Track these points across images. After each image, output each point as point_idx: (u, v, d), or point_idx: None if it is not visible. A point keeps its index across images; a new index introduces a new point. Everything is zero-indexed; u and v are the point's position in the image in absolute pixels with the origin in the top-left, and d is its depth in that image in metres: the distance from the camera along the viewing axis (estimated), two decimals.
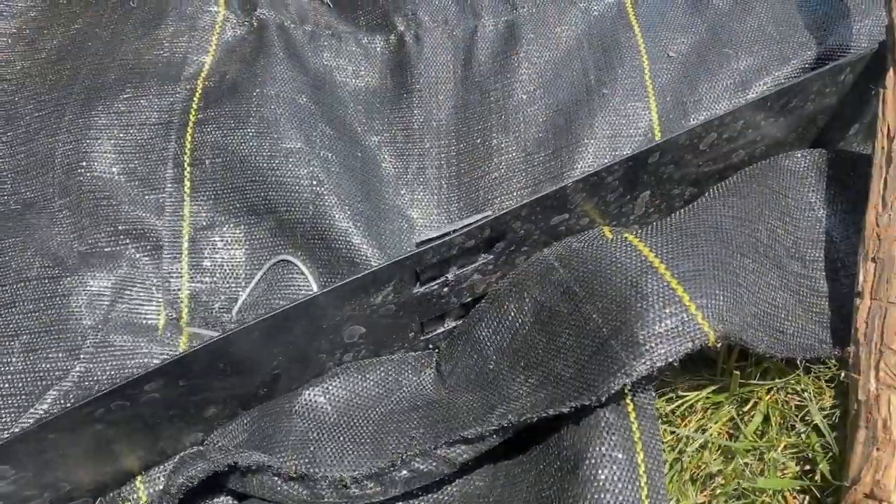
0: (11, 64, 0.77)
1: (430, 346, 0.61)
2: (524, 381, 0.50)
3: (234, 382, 0.53)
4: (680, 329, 0.44)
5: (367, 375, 0.57)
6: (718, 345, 0.44)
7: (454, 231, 0.51)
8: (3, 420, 0.58)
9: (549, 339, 0.50)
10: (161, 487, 0.55)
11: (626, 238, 0.51)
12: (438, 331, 0.60)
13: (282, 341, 0.52)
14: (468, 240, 0.53)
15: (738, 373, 0.50)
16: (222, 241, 0.66)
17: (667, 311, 0.45)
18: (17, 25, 0.80)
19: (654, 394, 0.47)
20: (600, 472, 0.43)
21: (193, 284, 0.65)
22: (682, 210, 0.56)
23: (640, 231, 0.53)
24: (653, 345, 0.44)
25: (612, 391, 0.43)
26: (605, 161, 0.67)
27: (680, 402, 0.52)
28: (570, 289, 0.50)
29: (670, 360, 0.43)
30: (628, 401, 0.46)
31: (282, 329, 0.50)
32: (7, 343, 0.61)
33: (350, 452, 0.51)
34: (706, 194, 0.59)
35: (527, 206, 0.53)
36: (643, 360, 0.43)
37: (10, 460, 0.47)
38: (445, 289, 0.56)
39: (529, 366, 0.51)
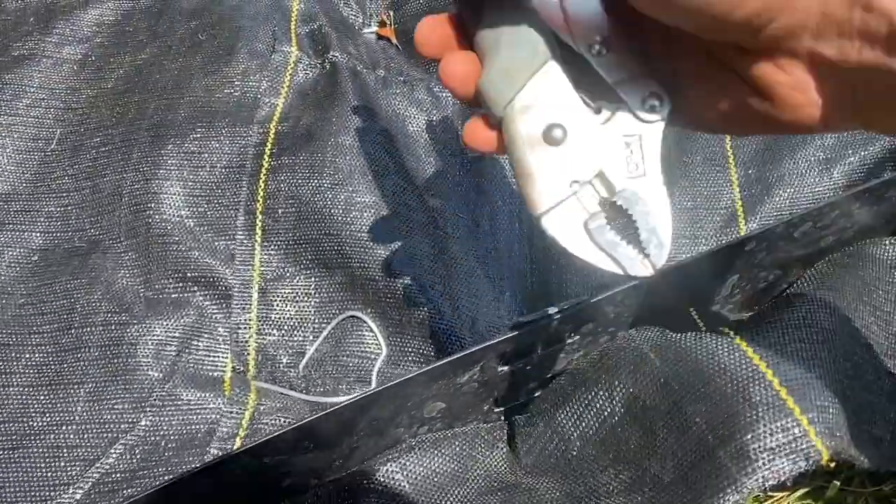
0: (78, 92, 0.76)
1: (503, 419, 0.60)
2: (614, 476, 0.49)
3: (314, 457, 0.51)
4: (793, 445, 0.43)
5: (443, 450, 0.56)
6: (832, 465, 0.43)
7: (548, 316, 0.50)
8: (70, 473, 0.57)
9: (643, 435, 0.49)
10: None
11: (726, 333, 0.50)
12: (513, 404, 0.59)
13: (368, 418, 0.51)
14: (561, 323, 0.52)
15: (836, 483, 0.49)
16: (293, 293, 0.65)
17: (778, 424, 0.44)
18: (84, 52, 0.79)
19: None
20: None
21: (262, 337, 0.64)
22: (775, 303, 0.55)
23: (736, 326, 0.52)
24: (765, 461, 0.43)
25: None
26: (685, 234, 0.66)
27: (769, 502, 0.51)
28: (667, 384, 0.49)
29: (783, 479, 0.42)
30: None
31: (371, 407, 0.49)
32: (72, 390, 0.60)
33: None
34: (797, 283, 0.58)
35: (622, 292, 0.52)
36: (755, 478, 0.42)
37: None
38: (528, 367, 0.55)
39: (619, 460, 0.49)
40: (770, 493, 0.52)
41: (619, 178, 0.37)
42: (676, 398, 0.48)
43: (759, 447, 0.43)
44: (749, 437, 0.44)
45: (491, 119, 0.38)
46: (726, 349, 0.49)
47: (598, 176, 0.37)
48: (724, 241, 0.54)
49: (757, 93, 0.33)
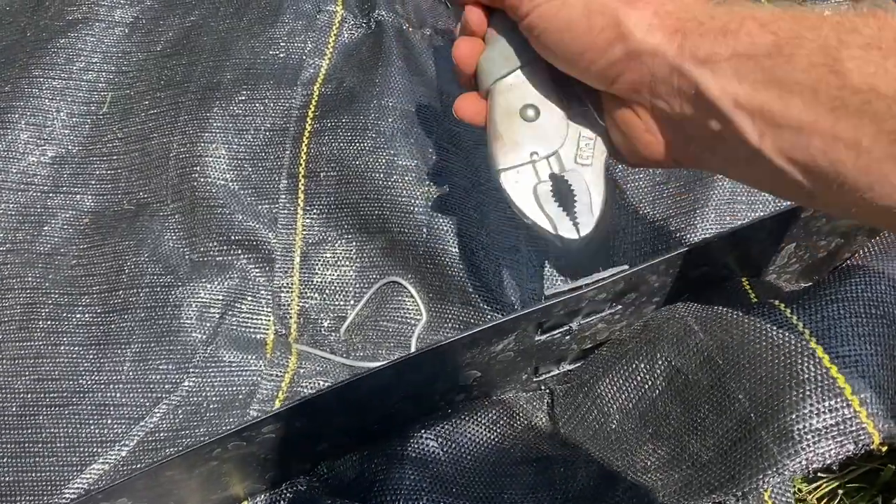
0: (129, 55, 0.77)
1: (543, 388, 0.59)
2: (652, 452, 0.47)
3: (349, 421, 0.51)
4: (841, 428, 0.40)
5: (479, 418, 0.55)
6: (884, 449, 0.40)
7: (586, 286, 0.48)
8: (115, 431, 0.58)
9: (683, 411, 0.47)
10: None
11: (776, 306, 0.47)
12: (553, 373, 0.58)
13: (402, 385, 0.50)
14: (599, 293, 0.49)
15: (893, 466, 0.46)
16: (334, 257, 0.65)
17: (826, 404, 0.41)
18: (135, 15, 0.79)
19: (792, 491, 0.43)
20: None
21: (304, 301, 0.64)
22: (832, 274, 0.52)
23: (788, 298, 0.49)
24: (810, 443, 0.40)
25: (760, 489, 0.40)
26: (740, 199, 0.63)
27: (820, 483, 0.49)
28: (711, 358, 0.47)
29: (828, 462, 0.40)
30: (766, 497, 0.43)
31: (405, 374, 0.49)
32: (119, 350, 0.61)
33: None
34: (859, 253, 0.54)
35: (667, 261, 0.49)
36: (798, 460, 0.40)
37: (127, 493, 0.46)
38: (567, 337, 0.53)
39: (659, 435, 0.48)
40: (820, 475, 0.49)
41: (570, 161, 0.46)
42: (720, 373, 0.46)
43: (804, 428, 0.41)
44: (793, 416, 0.41)
45: (481, 91, 0.48)
46: (774, 322, 0.46)
47: (554, 155, 0.46)
48: (781, 207, 0.51)
49: (622, 132, 0.44)
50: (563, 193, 0.45)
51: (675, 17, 0.38)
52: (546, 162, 0.46)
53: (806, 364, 0.43)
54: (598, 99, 0.46)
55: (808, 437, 0.40)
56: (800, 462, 0.40)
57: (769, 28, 0.35)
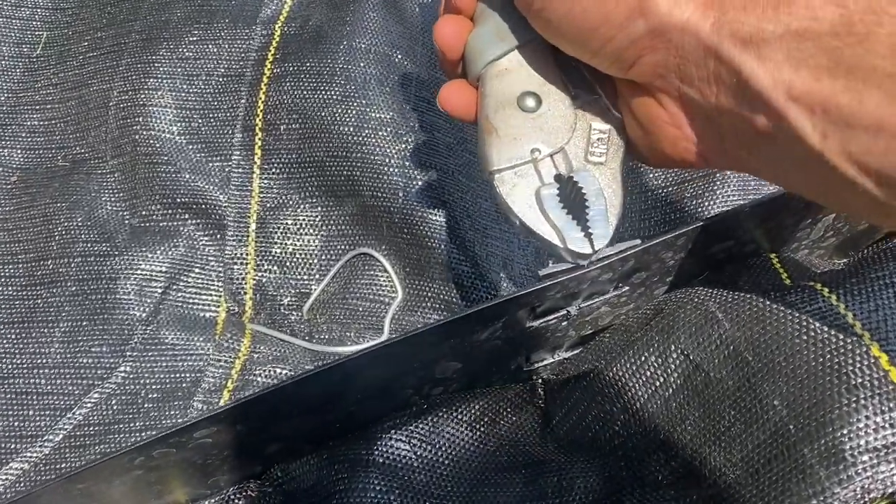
0: None
1: (535, 378, 0.51)
2: (664, 463, 0.40)
3: (303, 421, 0.43)
4: None
5: (459, 415, 0.47)
6: None
7: (590, 264, 0.39)
8: (38, 424, 0.51)
9: (703, 416, 0.39)
10: None
11: (817, 290, 0.39)
12: (546, 361, 0.50)
13: (369, 377, 0.42)
14: (604, 272, 0.41)
15: None
16: (295, 224, 0.56)
17: (886, 417, 0.33)
18: None
19: None
20: None
21: (260, 274, 0.56)
22: (881, 252, 0.44)
23: (828, 280, 0.41)
24: (866, 466, 0.32)
25: None
26: None
27: None
28: (738, 353, 0.38)
29: (889, 490, 0.32)
30: None
31: (365, 369, 0.41)
32: (46, 329, 0.53)
33: None
34: None
35: (685, 235, 0.41)
36: (851, 486, 0.32)
37: None
38: (564, 323, 0.45)
39: (672, 444, 0.40)
40: None
41: (579, 158, 0.38)
42: (749, 372, 0.38)
43: (859, 446, 0.33)
44: (845, 431, 0.33)
45: (471, 77, 0.40)
46: (817, 311, 0.38)
47: (559, 152, 0.38)
48: None
49: (641, 125, 0.36)
50: (572, 198, 0.37)
51: None
52: (550, 160, 0.38)
53: (858, 365, 0.35)
54: (612, 84, 0.38)
55: (864, 458, 0.32)
56: (853, 489, 0.32)
57: (836, 0, 0.27)
